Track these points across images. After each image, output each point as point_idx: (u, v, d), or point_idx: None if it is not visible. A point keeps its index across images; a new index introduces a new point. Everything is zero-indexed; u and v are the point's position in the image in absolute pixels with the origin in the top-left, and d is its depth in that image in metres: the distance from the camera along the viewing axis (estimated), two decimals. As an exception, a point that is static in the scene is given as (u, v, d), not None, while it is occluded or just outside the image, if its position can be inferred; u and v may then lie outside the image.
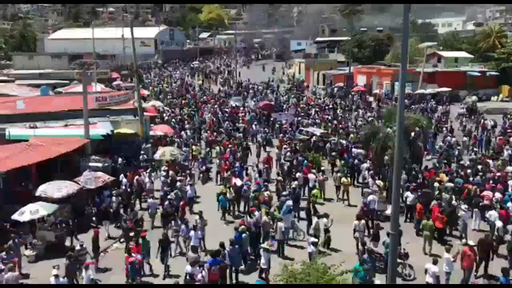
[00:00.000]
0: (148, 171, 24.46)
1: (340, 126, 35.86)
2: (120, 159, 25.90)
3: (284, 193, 20.67)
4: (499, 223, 17.64)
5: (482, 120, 38.26)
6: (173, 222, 18.47)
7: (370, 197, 20.32)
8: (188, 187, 22.11)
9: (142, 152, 27.84)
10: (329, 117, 39.54)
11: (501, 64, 53.18)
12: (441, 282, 14.53)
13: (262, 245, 15.56)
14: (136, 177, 23.31)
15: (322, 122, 37.18)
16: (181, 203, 20.37)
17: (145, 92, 48.16)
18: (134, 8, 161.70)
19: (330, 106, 45.84)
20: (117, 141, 27.60)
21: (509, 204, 19.47)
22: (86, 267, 14.44)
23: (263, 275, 14.88)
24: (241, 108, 43.99)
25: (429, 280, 14.33)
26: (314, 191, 21.68)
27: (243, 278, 15.56)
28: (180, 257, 17.32)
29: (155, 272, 16.26)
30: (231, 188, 21.73)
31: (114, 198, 20.43)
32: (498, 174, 23.94)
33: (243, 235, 16.27)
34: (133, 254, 15.28)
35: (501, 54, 54.48)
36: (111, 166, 24.80)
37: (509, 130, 35.08)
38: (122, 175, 23.60)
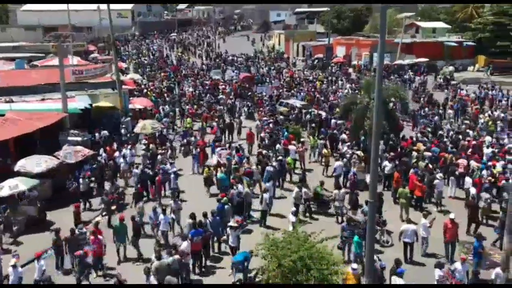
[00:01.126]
0: (126, 148, 23.66)
1: (322, 98, 36.03)
2: (102, 132, 25.69)
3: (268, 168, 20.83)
4: (473, 190, 18.23)
5: (459, 90, 38.93)
6: (141, 203, 17.61)
7: (336, 164, 21.12)
8: (168, 165, 21.26)
9: (122, 125, 27.64)
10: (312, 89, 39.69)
11: (478, 35, 53.77)
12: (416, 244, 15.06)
13: (228, 224, 15.36)
14: (115, 153, 22.94)
15: (307, 95, 37.20)
16: (157, 178, 19.91)
17: (123, 65, 47.45)
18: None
19: (310, 78, 45.93)
20: (96, 114, 27.33)
21: (484, 172, 20.07)
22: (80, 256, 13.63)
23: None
24: (221, 81, 43.73)
25: (406, 239, 14.94)
26: (288, 159, 22.18)
27: (224, 249, 15.84)
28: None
29: (129, 255, 15.55)
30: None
31: (81, 180, 19.44)
32: (473, 142, 24.55)
33: (226, 206, 16.50)
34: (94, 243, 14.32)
35: (477, 24, 55.05)
36: (91, 140, 24.63)
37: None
38: (101, 149, 23.48)
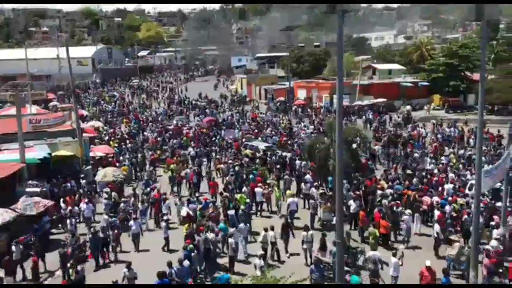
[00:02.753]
0: (86, 199, 22.56)
1: (285, 139, 36.25)
2: (68, 184, 24.90)
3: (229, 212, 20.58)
4: (437, 226, 18.49)
5: (418, 128, 40.14)
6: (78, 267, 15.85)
7: (290, 200, 21.63)
8: (132, 222, 19.81)
9: (81, 175, 26.85)
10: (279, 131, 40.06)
11: (431, 75, 56.15)
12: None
13: None
14: (73, 207, 21.73)
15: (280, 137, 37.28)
16: (115, 232, 18.87)
17: (84, 112, 46.77)
18: (70, 27, 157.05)
19: (273, 121, 46.45)
20: (55, 164, 26.55)
21: (446, 207, 20.42)
22: None
23: None
24: (185, 126, 43.56)
25: (391, 271, 15.23)
26: (238, 196, 22.41)
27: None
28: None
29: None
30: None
31: (14, 247, 17.31)
32: (435, 179, 25.12)
33: (192, 253, 16.04)
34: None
35: (430, 66, 57.58)
36: (50, 190, 23.78)
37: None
38: (61, 200, 22.67)
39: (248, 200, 22.23)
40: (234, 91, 70.55)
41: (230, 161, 29.67)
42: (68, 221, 20.45)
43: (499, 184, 19.76)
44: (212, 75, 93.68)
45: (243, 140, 36.26)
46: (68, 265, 16.91)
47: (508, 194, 18.52)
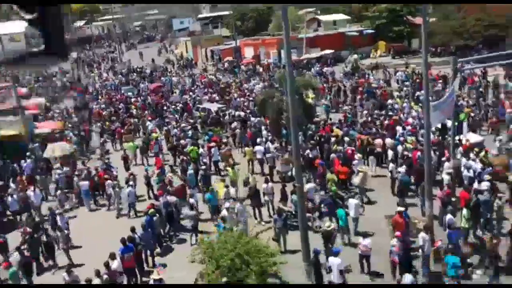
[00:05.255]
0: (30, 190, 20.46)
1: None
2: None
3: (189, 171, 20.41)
4: (391, 166, 19.12)
5: (367, 76, 40.77)
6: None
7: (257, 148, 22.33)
8: (82, 182, 20.31)
9: (27, 153, 25.49)
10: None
11: (375, 22, 56.63)
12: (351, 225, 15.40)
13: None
14: (23, 193, 20.23)
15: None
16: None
17: (23, 90, 44.37)
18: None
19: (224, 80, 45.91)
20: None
21: (399, 147, 21.05)
22: None
23: None
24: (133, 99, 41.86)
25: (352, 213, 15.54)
26: (189, 148, 23.21)
27: (160, 261, 15.20)
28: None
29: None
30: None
31: None
32: (385, 122, 25.71)
33: (154, 218, 15.85)
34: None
35: (374, 13, 57.94)
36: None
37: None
38: (11, 180, 21.72)
39: (201, 151, 22.92)
40: (179, 56, 68.86)
41: (184, 125, 29.19)
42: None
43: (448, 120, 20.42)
44: (154, 41, 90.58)
45: (196, 103, 35.75)
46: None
47: (455, 129, 19.29)
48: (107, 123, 32.55)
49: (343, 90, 35.48)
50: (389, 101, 31.13)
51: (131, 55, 74.35)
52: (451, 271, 12.06)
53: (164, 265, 14.64)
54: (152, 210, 16.11)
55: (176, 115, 33.00)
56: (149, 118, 32.53)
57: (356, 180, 18.34)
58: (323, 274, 12.56)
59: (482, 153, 19.53)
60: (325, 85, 37.52)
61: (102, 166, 22.79)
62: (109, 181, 20.33)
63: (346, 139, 22.77)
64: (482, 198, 15.09)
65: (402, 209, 14.59)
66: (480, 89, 31.63)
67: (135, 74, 56.24)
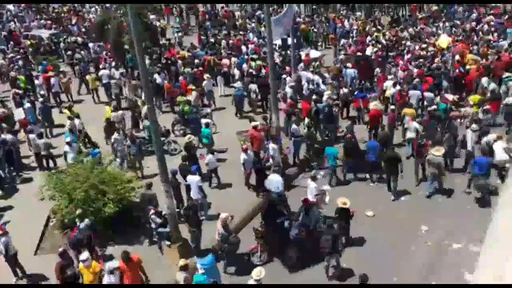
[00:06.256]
0: None
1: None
2: None
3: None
4: (237, 84, 19.70)
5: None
6: None
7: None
8: None
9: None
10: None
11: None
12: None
13: None
14: None
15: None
16: None
17: None
18: None
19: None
20: None
21: (244, 65, 21.77)
22: None
23: None
24: None
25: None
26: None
27: (3, 204, 13.95)
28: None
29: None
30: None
31: None
32: (230, 42, 26.06)
33: None
34: None
35: None
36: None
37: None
38: None
39: (37, 82, 21.64)
40: None
41: (12, 55, 25.93)
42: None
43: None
44: None
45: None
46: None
47: (295, 44, 20.36)
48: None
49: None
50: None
51: None
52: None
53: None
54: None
55: (2, 46, 29.19)
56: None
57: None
58: (182, 195, 12.70)
59: (316, 63, 21.28)
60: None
61: None
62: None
63: (196, 61, 22.65)
64: (320, 106, 16.49)
65: (256, 123, 15.23)
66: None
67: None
